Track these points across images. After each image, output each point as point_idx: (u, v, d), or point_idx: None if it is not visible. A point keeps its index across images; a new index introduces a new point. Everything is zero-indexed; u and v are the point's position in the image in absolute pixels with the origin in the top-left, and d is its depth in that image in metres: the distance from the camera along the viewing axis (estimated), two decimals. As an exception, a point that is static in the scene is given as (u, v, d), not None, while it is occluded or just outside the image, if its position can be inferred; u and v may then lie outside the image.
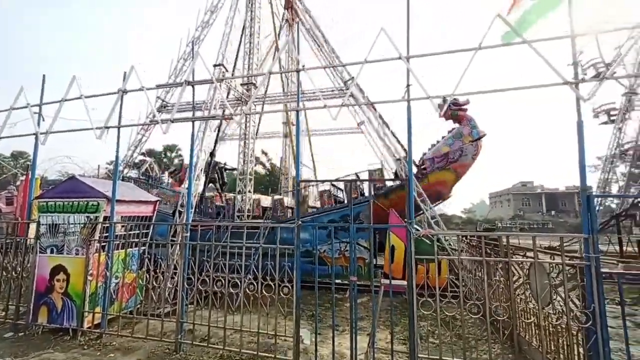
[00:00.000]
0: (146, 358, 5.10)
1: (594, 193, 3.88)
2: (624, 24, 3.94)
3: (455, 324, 7.02)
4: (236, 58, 13.50)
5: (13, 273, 6.35)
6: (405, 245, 9.66)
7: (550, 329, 4.66)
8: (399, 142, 12.86)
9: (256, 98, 12.15)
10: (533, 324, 5.07)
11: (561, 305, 4.37)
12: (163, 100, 11.78)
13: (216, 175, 14.43)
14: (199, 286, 5.27)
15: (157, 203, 6.91)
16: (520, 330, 5.49)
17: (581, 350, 3.98)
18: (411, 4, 4.79)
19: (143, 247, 6.71)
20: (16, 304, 6.28)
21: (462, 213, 71.97)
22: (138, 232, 6.81)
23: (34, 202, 6.49)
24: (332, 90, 12.03)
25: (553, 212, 54.82)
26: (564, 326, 4.32)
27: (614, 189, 19.12)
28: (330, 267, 10.35)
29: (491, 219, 60.19)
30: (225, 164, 13.86)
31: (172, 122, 5.01)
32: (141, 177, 16.99)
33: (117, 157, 5.74)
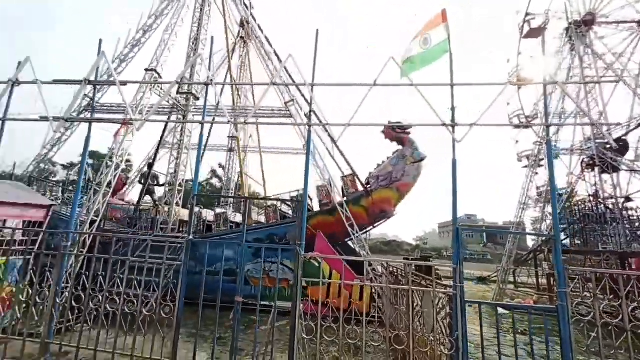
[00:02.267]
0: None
1: (462, 226, 4.21)
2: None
3: (367, 350, 7.07)
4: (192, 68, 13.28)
5: None
6: (331, 267, 9.73)
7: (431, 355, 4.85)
8: (346, 161, 13.05)
9: (196, 109, 11.87)
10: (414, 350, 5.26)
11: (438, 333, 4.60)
12: (90, 99, 10.86)
13: (154, 187, 13.66)
14: (73, 303, 4.75)
15: (50, 208, 6.25)
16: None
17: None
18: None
19: (28, 257, 5.96)
20: None
21: (414, 240, 75.29)
22: (23, 239, 6.07)
23: None
24: (272, 110, 12.18)
25: (490, 244, 59.22)
26: (439, 352, 4.53)
27: (544, 226, 20.92)
28: (253, 287, 10.01)
29: (438, 248, 63.45)
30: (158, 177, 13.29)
31: (66, 120, 4.65)
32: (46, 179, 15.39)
33: None
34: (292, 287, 4.43)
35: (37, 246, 6.35)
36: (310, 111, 4.64)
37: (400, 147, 12.72)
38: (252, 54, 15.60)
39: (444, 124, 4.33)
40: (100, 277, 4.84)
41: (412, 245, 65.27)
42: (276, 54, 13.97)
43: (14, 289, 5.82)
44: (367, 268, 10.71)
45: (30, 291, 5.63)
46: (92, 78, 4.59)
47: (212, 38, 5.35)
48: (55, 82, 4.65)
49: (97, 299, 4.71)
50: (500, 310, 5.75)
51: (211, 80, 4.49)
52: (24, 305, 5.83)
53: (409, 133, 12.55)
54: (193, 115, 11.61)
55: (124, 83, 4.35)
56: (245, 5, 15.47)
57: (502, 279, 16.96)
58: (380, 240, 68.24)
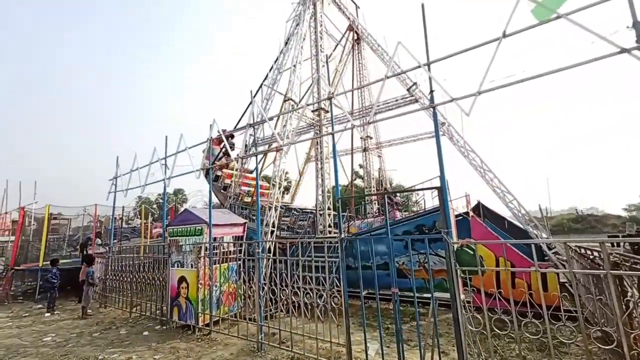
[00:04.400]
0: (237, 352, 6.23)
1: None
2: None
3: (562, 350, 5.89)
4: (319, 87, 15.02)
5: (157, 282, 8.72)
6: (496, 255, 8.58)
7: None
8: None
9: (327, 120, 13.06)
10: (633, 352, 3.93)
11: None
12: (255, 137, 13.96)
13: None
14: (271, 295, 6.15)
15: (245, 224, 8.35)
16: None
17: None
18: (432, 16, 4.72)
19: (239, 262, 8.18)
20: (161, 305, 8.56)
21: (624, 211, 55.30)
22: (234, 249, 8.36)
23: (166, 229, 8.85)
24: (396, 100, 11.88)
25: None
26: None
27: None
28: (410, 280, 9.94)
29: (674, 216, 44.19)
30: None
31: (243, 158, 6.22)
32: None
33: (210, 190, 7.38)
34: (449, 278, 4.23)
35: (242, 253, 8.61)
36: (431, 92, 4.38)
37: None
38: (369, 51, 16.01)
39: (622, 50, 3.19)
40: (284, 274, 6.10)
41: (623, 218, 48.06)
42: (384, 50, 13.78)
43: (235, 286, 8.05)
44: (547, 252, 8.82)
45: (244, 287, 7.65)
46: (251, 121, 5.97)
47: (327, 55, 5.89)
48: (236, 130, 6.31)
49: (284, 292, 5.95)
50: None
51: (332, 93, 4.97)
52: (243, 297, 8.00)
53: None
54: (326, 128, 12.93)
55: (270, 119, 5.42)
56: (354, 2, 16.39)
57: None
58: (567, 217, 53.91)
